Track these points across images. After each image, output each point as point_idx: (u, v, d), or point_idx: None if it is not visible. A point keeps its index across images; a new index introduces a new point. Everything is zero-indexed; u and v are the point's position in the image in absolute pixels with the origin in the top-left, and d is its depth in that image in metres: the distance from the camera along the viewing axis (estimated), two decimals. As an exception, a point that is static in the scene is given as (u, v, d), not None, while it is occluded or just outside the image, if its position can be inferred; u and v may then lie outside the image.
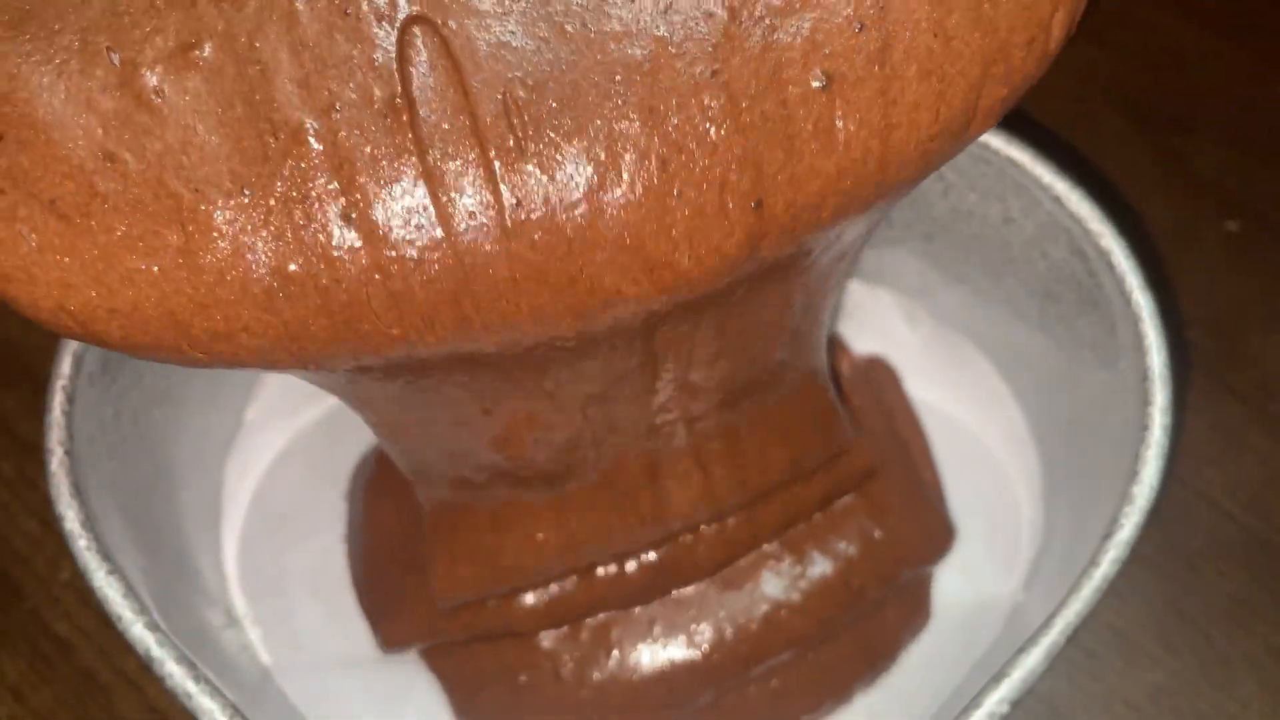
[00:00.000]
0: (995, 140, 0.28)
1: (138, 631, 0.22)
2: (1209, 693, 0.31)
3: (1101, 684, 0.32)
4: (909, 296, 0.34)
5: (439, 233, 0.15)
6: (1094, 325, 0.28)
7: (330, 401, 0.35)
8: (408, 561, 0.31)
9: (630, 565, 0.28)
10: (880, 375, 0.34)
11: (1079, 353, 0.29)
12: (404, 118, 0.15)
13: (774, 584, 0.29)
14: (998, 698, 0.22)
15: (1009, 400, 0.33)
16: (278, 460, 0.34)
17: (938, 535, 0.31)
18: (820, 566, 0.29)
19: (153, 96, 0.14)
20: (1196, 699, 0.31)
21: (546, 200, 0.15)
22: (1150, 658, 0.32)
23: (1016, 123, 0.40)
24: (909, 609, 0.31)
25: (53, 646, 0.34)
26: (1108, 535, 0.23)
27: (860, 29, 0.15)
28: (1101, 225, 0.26)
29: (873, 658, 0.30)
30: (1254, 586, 0.33)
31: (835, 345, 0.34)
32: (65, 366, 0.25)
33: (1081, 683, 0.32)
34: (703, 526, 0.28)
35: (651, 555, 0.28)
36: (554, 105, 0.15)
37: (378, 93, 0.15)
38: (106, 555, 0.23)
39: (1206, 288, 0.37)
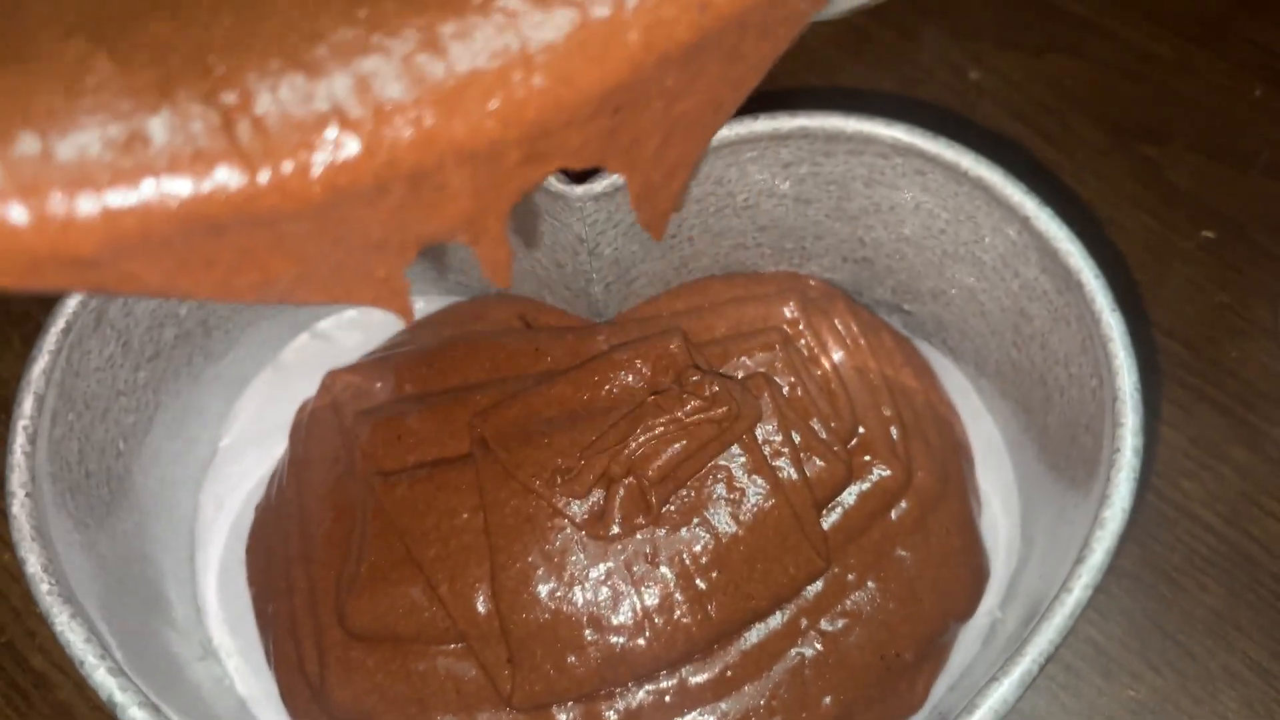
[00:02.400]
0: (965, 160, 0.28)
1: (100, 676, 0.22)
2: (1190, 709, 0.31)
3: (1081, 701, 0.32)
4: (883, 312, 0.34)
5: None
6: (1066, 343, 0.28)
7: (305, 428, 0.35)
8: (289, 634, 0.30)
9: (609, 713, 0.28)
10: (940, 390, 0.34)
11: (1052, 370, 0.29)
12: None
13: (794, 678, 0.28)
14: (970, 727, 0.22)
15: (984, 416, 0.33)
16: (256, 487, 0.34)
17: (980, 578, 0.31)
18: (854, 641, 0.29)
19: None
20: (1178, 715, 0.31)
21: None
22: (1130, 673, 0.32)
23: (987, 134, 0.40)
24: (938, 660, 0.30)
25: (29, 681, 0.33)
26: (1079, 560, 0.23)
27: None
28: (1070, 244, 0.26)
29: None
30: (1234, 600, 0.33)
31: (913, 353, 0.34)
32: (27, 406, 0.25)
33: (1062, 700, 0.32)
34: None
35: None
36: None
37: None
38: (69, 598, 0.23)
39: (1184, 298, 0.37)
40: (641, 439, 0.28)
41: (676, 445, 0.29)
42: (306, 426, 0.32)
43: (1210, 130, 0.40)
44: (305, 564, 0.30)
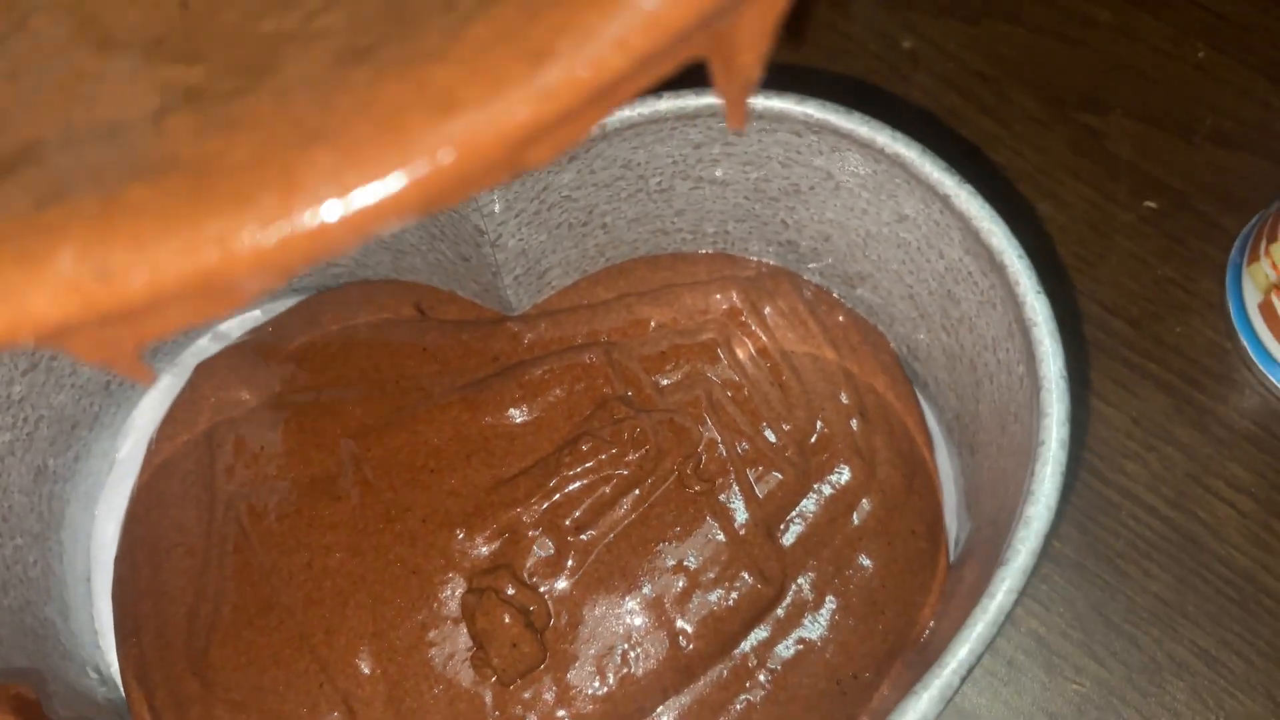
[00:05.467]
0: (881, 136, 0.26)
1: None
2: (1137, 701, 0.30)
3: (1024, 696, 0.30)
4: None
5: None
6: (993, 327, 0.26)
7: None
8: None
9: None
10: (899, 388, 0.31)
11: (981, 355, 0.27)
12: None
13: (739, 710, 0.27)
14: (888, 746, 0.20)
15: (921, 402, 0.32)
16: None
17: (940, 578, 0.29)
18: (806, 670, 0.27)
19: None
20: (1124, 709, 0.30)
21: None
22: (1074, 666, 0.31)
23: (920, 107, 0.38)
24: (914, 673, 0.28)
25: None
26: (1002, 562, 0.22)
27: None
28: (993, 224, 0.25)
29: None
30: (1181, 586, 0.31)
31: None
32: None
33: (1004, 696, 0.30)
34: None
35: None
36: None
37: None
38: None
39: (1126, 272, 0.36)
40: (556, 494, 0.26)
41: (595, 494, 0.27)
42: (161, 426, 0.30)
43: (1152, 97, 0.38)
44: (154, 598, 0.28)
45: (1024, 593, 0.22)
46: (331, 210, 0.11)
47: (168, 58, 0.13)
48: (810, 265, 0.31)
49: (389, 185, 0.11)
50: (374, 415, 0.28)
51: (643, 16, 0.12)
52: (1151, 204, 0.36)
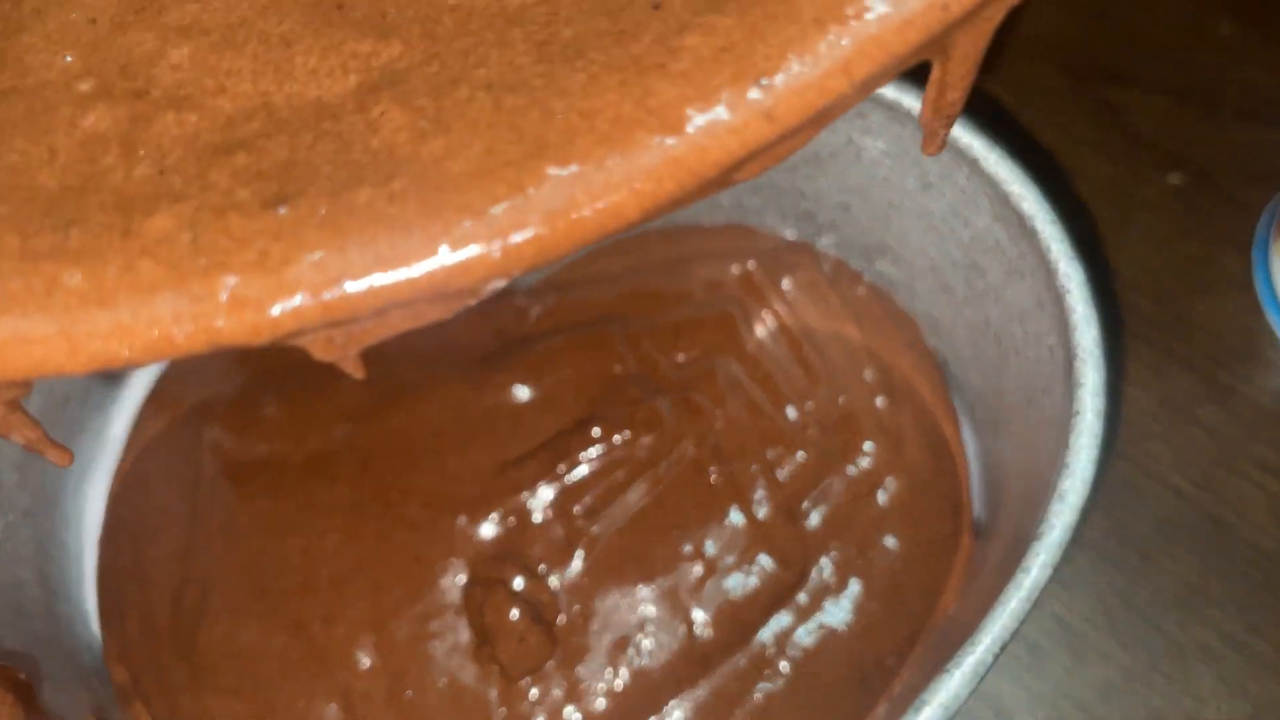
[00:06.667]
0: (908, 99, 0.25)
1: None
2: (1162, 687, 0.29)
3: (1047, 682, 0.29)
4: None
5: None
6: (1021, 298, 0.25)
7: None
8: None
9: None
10: (927, 369, 0.30)
11: (1007, 328, 0.26)
12: None
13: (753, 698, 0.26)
14: (918, 727, 0.19)
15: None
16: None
17: (963, 559, 0.28)
18: (828, 658, 0.26)
19: None
20: (1150, 695, 0.29)
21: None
22: (1099, 652, 0.30)
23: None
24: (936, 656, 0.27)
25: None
26: (1036, 537, 0.21)
27: None
28: (1025, 188, 0.24)
29: None
30: (1207, 570, 0.30)
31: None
32: None
33: (1026, 681, 0.30)
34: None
35: None
36: None
37: None
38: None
39: (1150, 249, 0.35)
40: (565, 479, 0.25)
41: (606, 480, 0.26)
42: (147, 402, 0.29)
43: (1175, 71, 0.37)
44: (139, 581, 0.27)
45: (1054, 570, 0.21)
46: (556, 222, 0.11)
47: (355, 29, 0.13)
48: (828, 238, 0.30)
49: (610, 202, 0.11)
50: (371, 393, 0.27)
51: (866, 39, 0.11)
52: (1175, 180, 0.35)
